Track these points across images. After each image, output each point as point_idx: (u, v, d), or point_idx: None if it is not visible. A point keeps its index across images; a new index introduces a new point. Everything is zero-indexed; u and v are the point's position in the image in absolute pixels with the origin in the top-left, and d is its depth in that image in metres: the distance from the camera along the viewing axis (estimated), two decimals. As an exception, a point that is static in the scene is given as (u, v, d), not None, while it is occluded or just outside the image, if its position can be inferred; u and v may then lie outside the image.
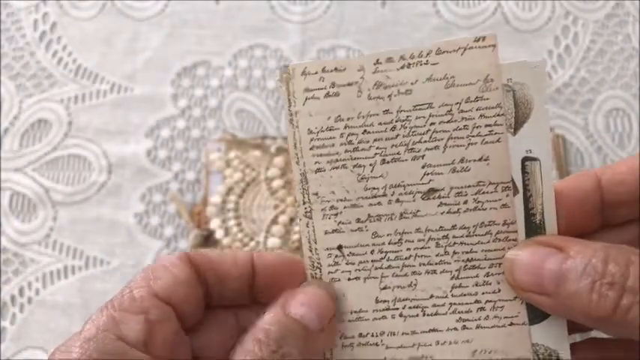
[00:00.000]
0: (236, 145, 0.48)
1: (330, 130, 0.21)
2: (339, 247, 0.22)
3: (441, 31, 0.54)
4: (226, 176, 0.48)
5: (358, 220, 0.21)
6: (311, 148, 0.21)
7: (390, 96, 0.20)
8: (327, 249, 0.22)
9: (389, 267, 0.21)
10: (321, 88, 0.21)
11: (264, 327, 0.21)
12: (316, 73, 0.21)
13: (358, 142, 0.21)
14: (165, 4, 0.55)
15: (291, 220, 0.46)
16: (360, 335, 0.21)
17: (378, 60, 0.20)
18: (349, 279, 0.21)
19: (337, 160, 0.21)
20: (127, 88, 0.52)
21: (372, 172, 0.21)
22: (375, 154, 0.21)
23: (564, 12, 0.54)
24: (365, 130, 0.21)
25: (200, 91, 0.52)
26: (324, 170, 0.21)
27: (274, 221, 0.46)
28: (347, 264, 0.21)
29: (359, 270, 0.21)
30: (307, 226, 0.22)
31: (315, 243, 0.22)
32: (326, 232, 0.21)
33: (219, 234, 0.46)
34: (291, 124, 0.21)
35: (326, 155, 0.21)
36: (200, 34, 0.54)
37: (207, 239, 0.47)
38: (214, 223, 0.47)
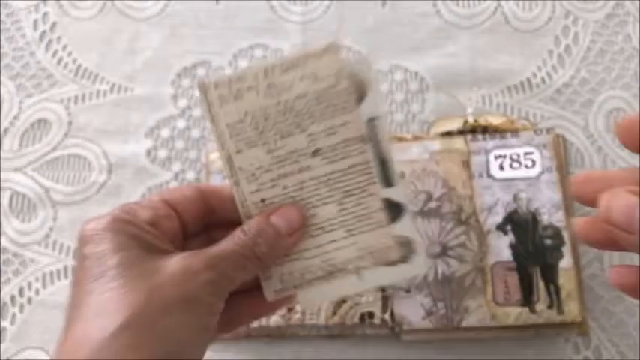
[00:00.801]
0: (236, 145, 0.48)
1: (242, 122, 0.29)
2: (262, 200, 0.31)
3: (441, 31, 0.54)
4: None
5: (271, 180, 0.30)
6: (231, 137, 0.30)
7: (278, 92, 0.29)
8: (254, 203, 0.31)
9: None
10: (228, 95, 0.29)
11: (250, 224, 0.30)
12: (224, 83, 0.29)
13: (262, 127, 0.30)
14: (165, 4, 0.55)
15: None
16: (286, 255, 0.31)
17: (265, 69, 0.29)
18: None
19: (250, 142, 0.30)
20: (127, 88, 0.52)
21: (275, 145, 0.30)
22: (275, 133, 0.30)
23: (564, 12, 0.54)
24: (265, 118, 0.30)
25: (200, 91, 0.52)
26: (242, 151, 0.30)
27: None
28: None
29: None
30: (237, 192, 0.30)
31: (245, 201, 0.31)
32: (251, 192, 0.31)
33: (219, 234, 0.46)
34: (213, 123, 0.29)
35: (242, 140, 0.30)
36: (200, 34, 0.54)
37: (208, 239, 0.47)
38: (214, 223, 0.47)
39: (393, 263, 0.32)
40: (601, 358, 0.45)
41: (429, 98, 0.52)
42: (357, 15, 0.54)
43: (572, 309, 0.42)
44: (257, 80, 0.29)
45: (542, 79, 0.52)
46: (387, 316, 0.44)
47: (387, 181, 0.31)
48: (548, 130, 0.46)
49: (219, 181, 0.47)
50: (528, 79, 0.52)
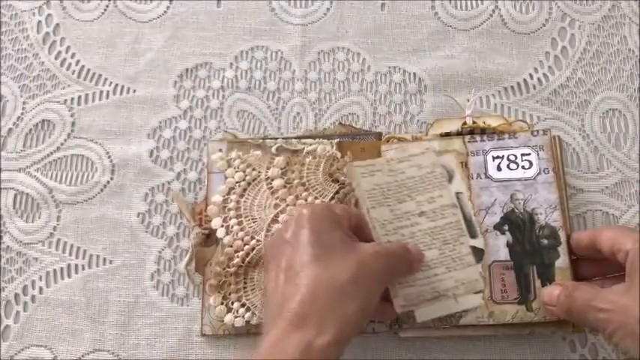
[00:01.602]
0: (237, 145, 0.49)
1: (374, 190, 0.43)
2: (388, 242, 0.42)
3: (439, 33, 0.54)
4: (227, 176, 0.48)
5: (394, 229, 0.42)
6: (368, 198, 0.42)
7: (396, 174, 0.44)
8: (385, 242, 0.42)
9: None
10: (366, 173, 0.43)
11: (393, 244, 0.42)
12: (364, 167, 0.43)
13: (386, 195, 0.43)
14: (167, 6, 0.55)
15: (292, 218, 0.47)
16: (406, 281, 0.41)
17: (388, 161, 0.44)
18: None
19: (379, 203, 0.42)
20: (129, 90, 0.53)
21: (395, 207, 0.43)
22: (395, 199, 0.43)
23: (561, 14, 0.55)
24: (388, 189, 0.43)
25: (202, 93, 0.53)
26: (375, 207, 0.42)
27: (275, 220, 0.47)
28: None
29: None
30: (374, 233, 0.41)
31: (379, 238, 0.41)
32: (382, 235, 0.42)
33: (220, 232, 0.47)
34: (358, 187, 0.42)
35: (374, 201, 0.42)
36: (202, 36, 0.54)
37: (209, 238, 0.48)
38: (215, 222, 0.47)
39: (478, 292, 0.44)
40: (597, 356, 0.46)
41: (428, 99, 0.52)
42: (356, 17, 0.55)
43: None
44: (383, 167, 0.44)
45: (539, 81, 0.53)
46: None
47: (472, 234, 0.45)
48: (544, 132, 0.46)
49: (219, 181, 0.48)
50: (525, 81, 0.53)
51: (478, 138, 0.47)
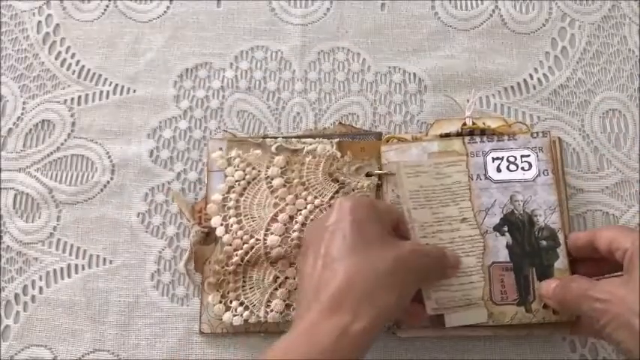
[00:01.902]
0: (237, 144, 0.49)
1: (417, 191, 0.44)
2: (426, 243, 0.43)
3: (439, 33, 0.54)
4: (227, 174, 0.48)
5: (433, 232, 0.44)
6: (410, 198, 0.44)
7: (442, 178, 0.45)
8: (423, 243, 0.44)
9: None
10: (411, 174, 0.45)
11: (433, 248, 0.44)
12: (409, 167, 0.44)
13: (430, 197, 0.44)
14: (167, 6, 0.55)
15: (291, 218, 0.47)
16: (440, 285, 0.43)
17: (436, 163, 0.45)
18: None
19: (421, 204, 0.44)
20: (129, 90, 0.53)
21: (437, 210, 0.44)
22: (437, 202, 0.44)
23: (561, 14, 0.55)
24: (433, 192, 0.45)
25: (202, 93, 0.53)
26: (417, 209, 0.44)
27: (274, 219, 0.47)
28: None
29: None
30: (412, 234, 0.43)
31: (415, 238, 0.43)
32: (420, 237, 0.43)
33: (219, 231, 0.47)
34: (402, 187, 0.44)
35: (416, 202, 0.44)
36: (202, 36, 0.54)
37: (208, 236, 0.48)
38: (215, 221, 0.47)
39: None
40: (597, 356, 0.46)
41: (427, 99, 0.52)
42: (356, 17, 0.55)
43: None
44: (430, 169, 0.45)
45: (539, 81, 0.53)
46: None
47: None
48: (544, 134, 0.46)
49: (219, 179, 0.48)
50: (525, 81, 0.53)
51: (478, 139, 0.47)
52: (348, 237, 0.37)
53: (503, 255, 0.44)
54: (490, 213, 0.45)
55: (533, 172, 0.46)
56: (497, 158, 0.46)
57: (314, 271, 0.37)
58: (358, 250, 0.37)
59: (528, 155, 0.46)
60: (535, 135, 0.46)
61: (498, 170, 0.46)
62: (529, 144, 0.46)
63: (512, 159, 0.46)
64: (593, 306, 0.37)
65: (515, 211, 0.45)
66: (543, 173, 0.46)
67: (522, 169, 0.46)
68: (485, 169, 0.46)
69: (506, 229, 0.45)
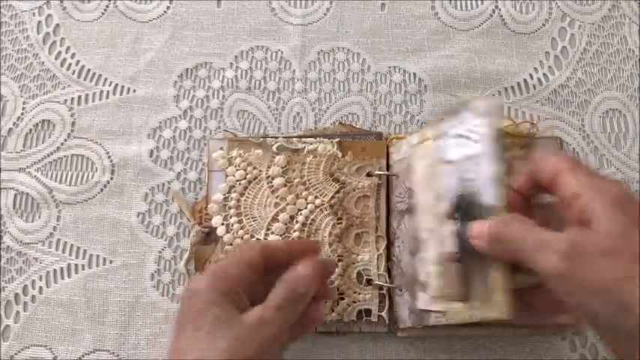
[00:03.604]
0: (238, 144, 0.49)
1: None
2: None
3: (439, 33, 0.54)
4: (228, 174, 0.48)
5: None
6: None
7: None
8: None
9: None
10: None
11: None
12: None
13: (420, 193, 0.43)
14: (167, 6, 0.55)
15: (292, 217, 0.47)
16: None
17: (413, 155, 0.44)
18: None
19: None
20: (129, 90, 0.53)
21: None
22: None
23: (561, 14, 0.55)
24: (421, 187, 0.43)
25: (202, 93, 0.53)
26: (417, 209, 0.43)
27: (275, 219, 0.47)
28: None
29: None
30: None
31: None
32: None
33: (220, 231, 0.47)
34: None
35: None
36: (202, 36, 0.54)
37: (208, 236, 0.48)
38: (216, 221, 0.47)
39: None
40: (597, 356, 0.46)
41: (428, 99, 0.52)
42: (356, 17, 0.55)
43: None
44: (410, 161, 0.44)
45: (539, 81, 0.53)
46: (383, 313, 0.45)
47: None
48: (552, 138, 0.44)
49: (220, 179, 0.48)
50: (525, 81, 0.53)
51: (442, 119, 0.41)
52: (179, 330, 0.35)
53: (451, 244, 0.38)
54: (445, 198, 0.39)
55: (480, 144, 0.37)
56: (454, 136, 0.40)
57: None
58: (186, 347, 0.34)
59: (478, 124, 0.38)
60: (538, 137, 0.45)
61: (453, 149, 0.39)
62: (478, 110, 0.38)
63: (465, 134, 0.39)
64: (549, 257, 0.29)
65: (464, 193, 0.38)
66: (487, 144, 0.37)
67: (474, 142, 0.38)
68: (444, 151, 0.40)
69: (457, 215, 0.38)
